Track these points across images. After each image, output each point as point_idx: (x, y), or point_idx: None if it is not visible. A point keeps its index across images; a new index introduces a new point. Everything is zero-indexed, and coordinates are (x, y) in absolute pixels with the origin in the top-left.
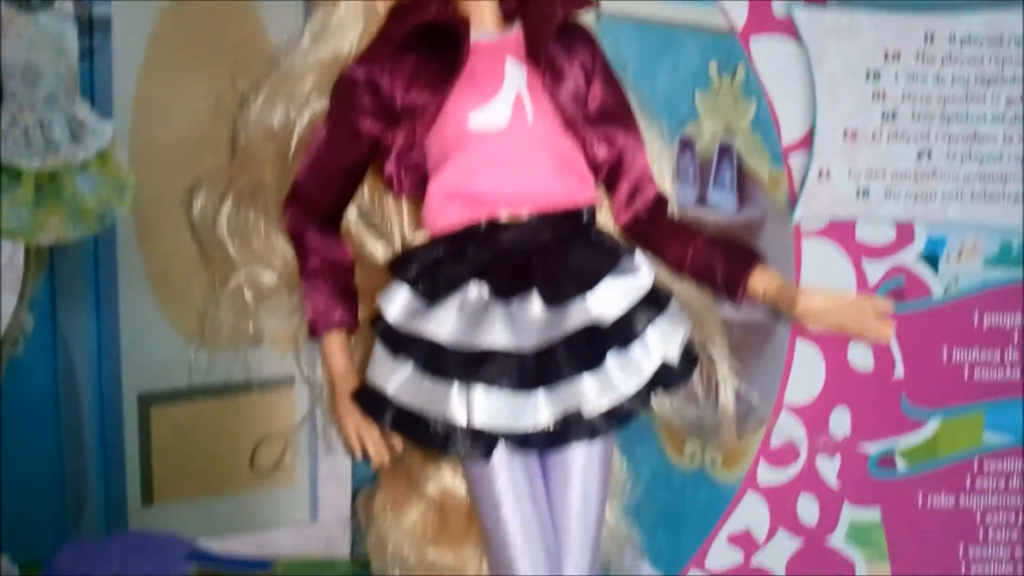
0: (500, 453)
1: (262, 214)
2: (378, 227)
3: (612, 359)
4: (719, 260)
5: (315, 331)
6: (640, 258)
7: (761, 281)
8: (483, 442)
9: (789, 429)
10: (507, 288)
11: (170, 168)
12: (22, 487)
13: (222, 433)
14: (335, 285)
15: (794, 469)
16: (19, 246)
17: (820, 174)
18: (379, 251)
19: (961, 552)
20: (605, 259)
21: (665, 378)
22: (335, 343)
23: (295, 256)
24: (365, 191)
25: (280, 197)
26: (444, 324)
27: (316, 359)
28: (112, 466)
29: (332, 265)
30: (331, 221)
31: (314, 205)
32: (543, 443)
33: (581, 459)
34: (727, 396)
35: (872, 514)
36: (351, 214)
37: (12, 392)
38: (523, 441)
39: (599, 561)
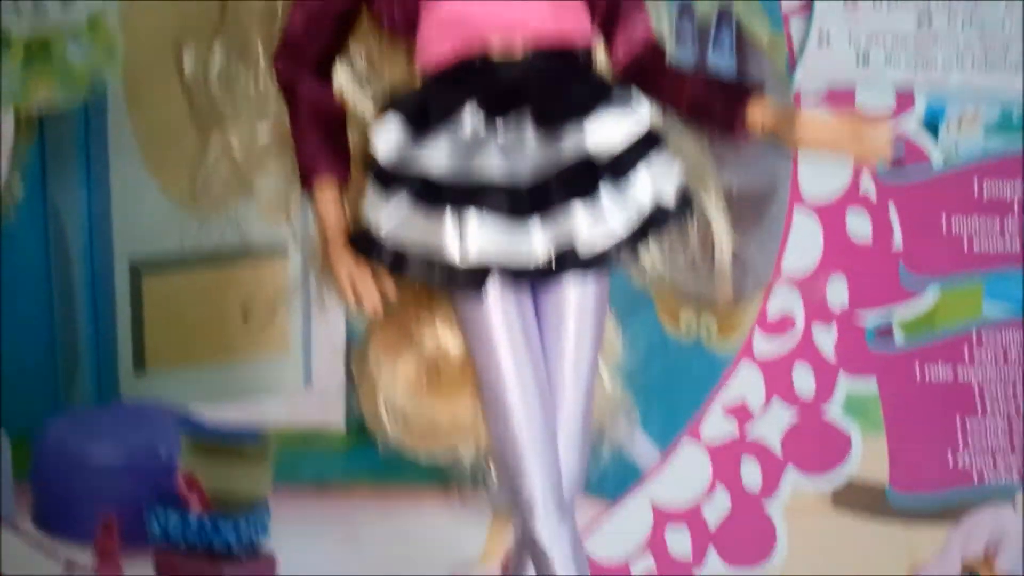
0: (493, 288)
1: (253, 68)
2: (370, 87)
3: (605, 191)
4: (717, 95)
5: (307, 181)
6: (637, 97)
7: (759, 111)
8: (477, 277)
9: (786, 299)
10: (501, 119)
11: (160, 31)
12: (13, 357)
13: (214, 301)
14: (327, 135)
15: (790, 340)
16: (9, 113)
17: (820, 39)
18: (371, 111)
19: (959, 424)
20: (601, 94)
21: (659, 218)
22: (327, 194)
23: (286, 108)
24: (358, 54)
25: (271, 49)
26: (437, 157)
27: (309, 222)
28: (103, 335)
29: (323, 115)
30: (322, 71)
31: (305, 54)
32: (536, 276)
33: (575, 300)
34: (723, 252)
35: (869, 386)
36: (342, 76)
37: (3, 261)
38: (516, 275)
39: (592, 416)
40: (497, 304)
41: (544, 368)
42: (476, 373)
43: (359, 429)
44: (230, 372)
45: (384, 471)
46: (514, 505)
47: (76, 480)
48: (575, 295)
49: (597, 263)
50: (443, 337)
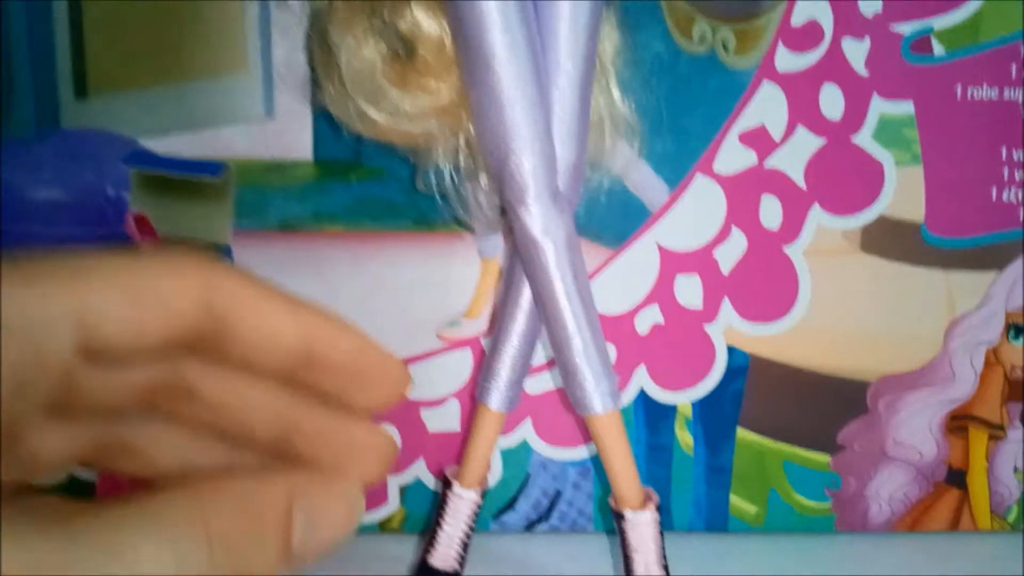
0: None
1: None
2: None
3: None
4: None
5: None
6: None
7: None
8: None
9: (812, 6)
10: None
11: None
12: None
13: (166, 12)
14: None
15: (817, 53)
16: None
17: None
18: None
19: (1004, 155)
20: None
21: None
22: None
23: None
24: None
25: None
26: None
27: None
28: (39, 53)
29: None
30: None
31: None
32: None
33: None
34: None
35: (905, 108)
36: None
37: None
38: None
39: (589, 104)
40: None
41: (537, 29)
42: (457, 31)
43: (327, 164)
44: (183, 96)
45: (357, 212)
46: (504, 195)
47: (12, 222)
48: None
49: None
50: (418, 14)
